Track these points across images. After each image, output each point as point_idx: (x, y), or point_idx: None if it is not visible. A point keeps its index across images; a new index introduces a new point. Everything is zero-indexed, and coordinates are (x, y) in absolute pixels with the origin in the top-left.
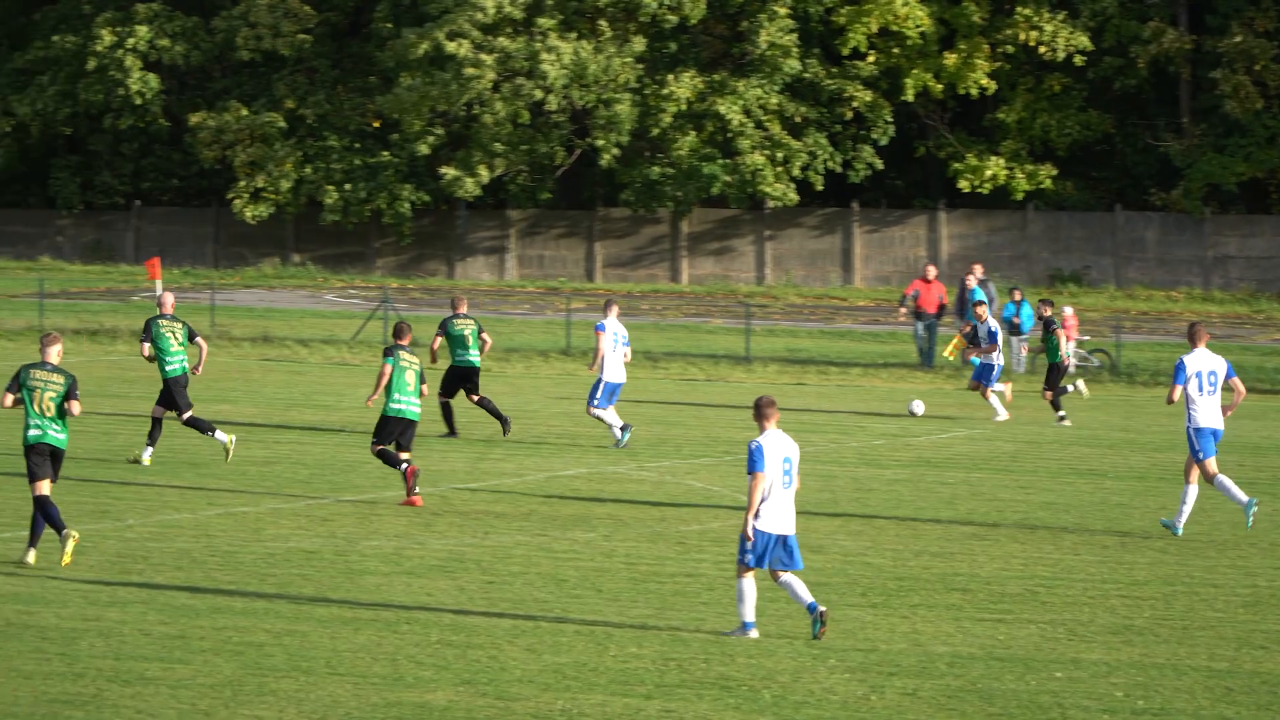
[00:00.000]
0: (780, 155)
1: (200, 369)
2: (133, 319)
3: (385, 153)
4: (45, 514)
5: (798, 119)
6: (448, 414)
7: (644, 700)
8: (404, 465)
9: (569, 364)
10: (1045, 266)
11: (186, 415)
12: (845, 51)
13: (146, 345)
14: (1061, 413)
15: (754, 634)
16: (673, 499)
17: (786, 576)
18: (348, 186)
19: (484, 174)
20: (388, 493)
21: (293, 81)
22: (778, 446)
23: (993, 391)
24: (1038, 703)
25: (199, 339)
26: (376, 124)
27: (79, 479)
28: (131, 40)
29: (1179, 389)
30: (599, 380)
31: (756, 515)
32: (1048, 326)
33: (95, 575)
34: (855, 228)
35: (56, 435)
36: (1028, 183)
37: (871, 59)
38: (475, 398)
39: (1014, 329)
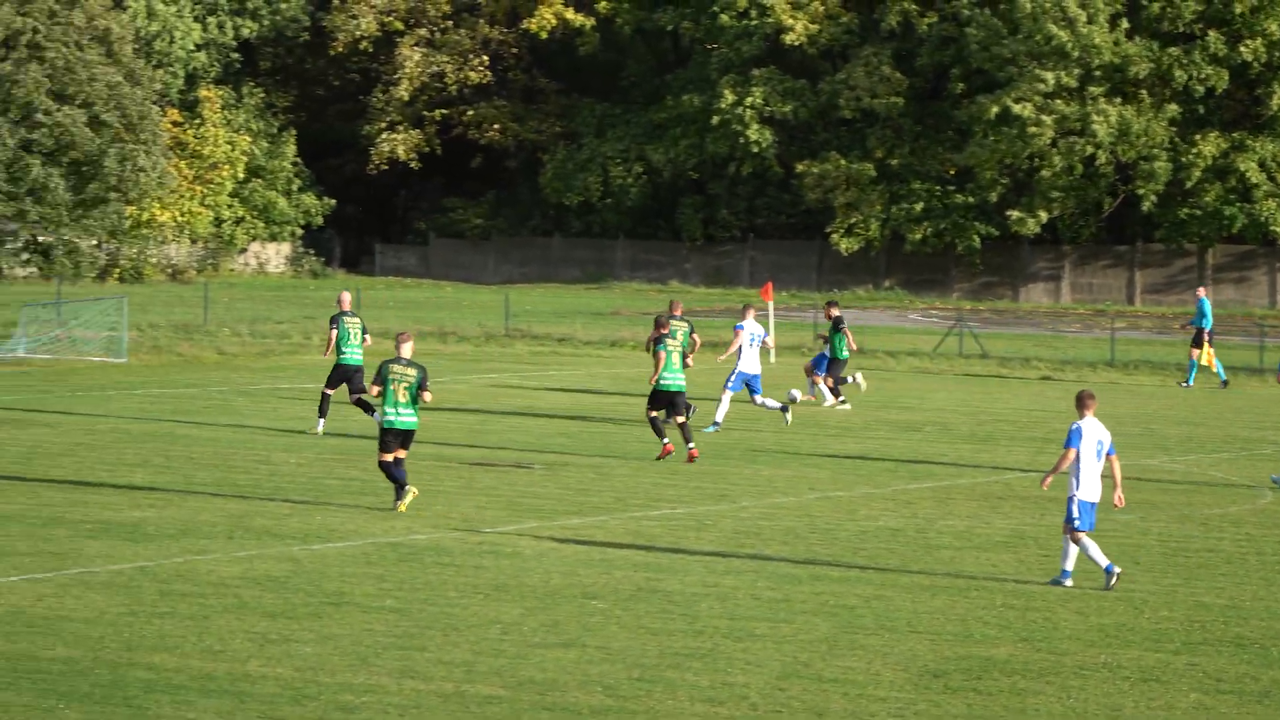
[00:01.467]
0: None
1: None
2: None
3: (958, 195)
4: (390, 473)
5: None
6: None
7: (1172, 655)
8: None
9: (1113, 374)
10: None
11: (355, 396)
12: None
13: (334, 333)
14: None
15: (1068, 583)
16: (1197, 487)
17: (1085, 539)
18: (927, 224)
19: (1043, 215)
20: (961, 480)
21: (883, 135)
22: (1092, 430)
23: None
24: None
25: (367, 337)
26: (952, 171)
27: (699, 470)
28: (749, 99)
29: None
30: (734, 370)
31: (1079, 487)
32: (836, 326)
33: (714, 548)
34: None
35: (408, 419)
36: None
37: None
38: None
39: None
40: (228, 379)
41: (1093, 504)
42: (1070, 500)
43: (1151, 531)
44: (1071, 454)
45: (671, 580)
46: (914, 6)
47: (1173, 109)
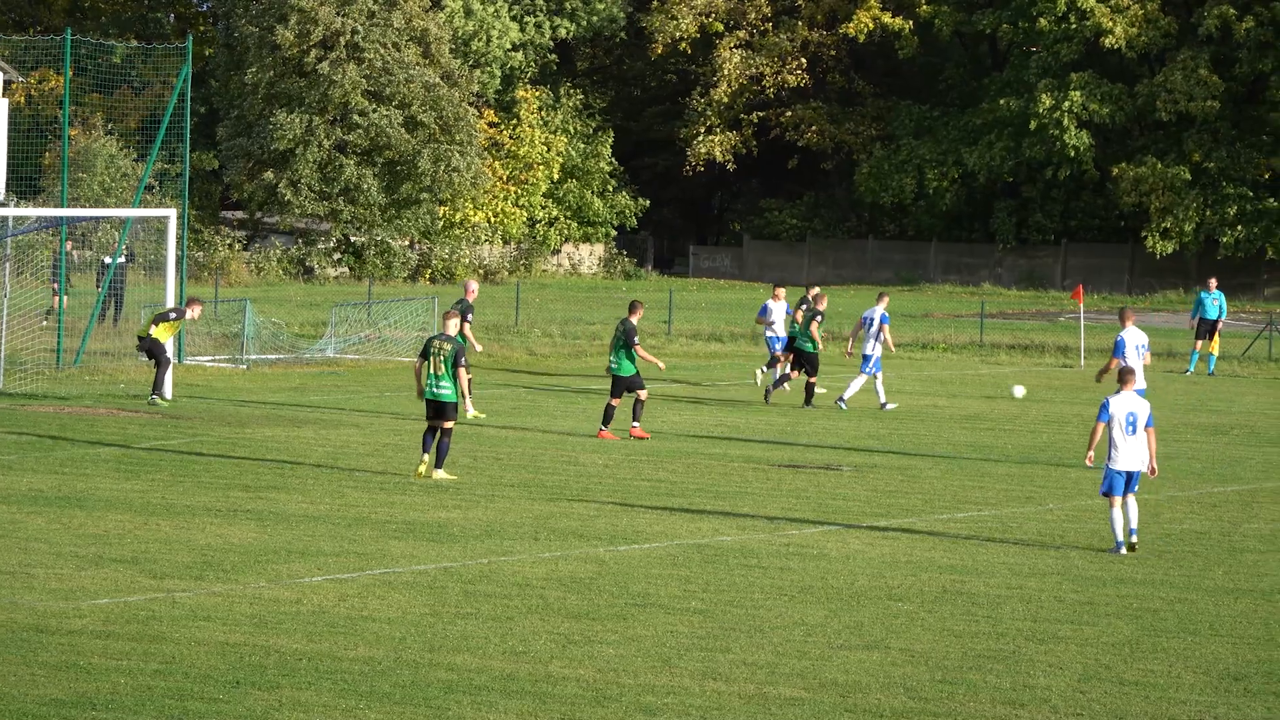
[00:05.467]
0: None
1: None
2: (1059, 337)
3: (1272, 200)
4: (424, 442)
5: None
6: None
7: None
8: None
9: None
10: None
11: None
12: None
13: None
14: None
15: (1123, 551)
16: None
17: (1130, 500)
18: (1240, 228)
19: None
20: (1268, 484)
21: (1199, 139)
22: (1125, 404)
23: None
24: None
25: None
26: (1267, 176)
27: (1006, 472)
28: (1067, 104)
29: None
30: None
31: (1110, 458)
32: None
33: (1019, 550)
34: None
35: (444, 390)
36: None
37: None
38: None
39: None
40: (538, 379)
41: (1126, 472)
42: (1105, 470)
43: None
44: (1101, 426)
45: (976, 582)
46: (1232, 10)
47: None
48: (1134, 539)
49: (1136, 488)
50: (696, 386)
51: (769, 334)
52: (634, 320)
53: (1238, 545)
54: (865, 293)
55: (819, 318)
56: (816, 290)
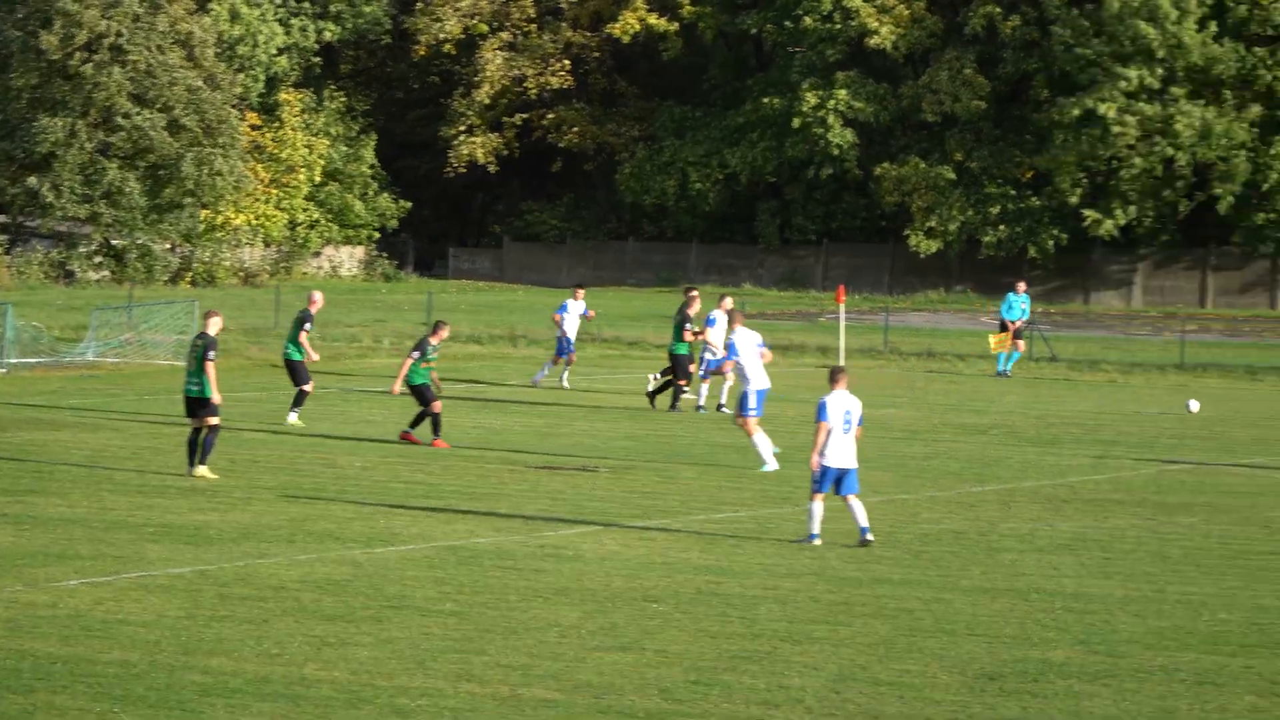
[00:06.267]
0: None
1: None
2: (819, 337)
3: (1034, 198)
4: (191, 443)
5: None
6: None
7: (1229, 658)
8: None
9: (1182, 376)
10: None
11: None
12: None
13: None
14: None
15: (817, 542)
16: (1262, 490)
17: (853, 501)
18: (1002, 227)
19: (1120, 218)
20: (1025, 483)
21: (962, 139)
22: (840, 402)
23: None
24: None
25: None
26: (1029, 175)
27: (761, 473)
28: (831, 102)
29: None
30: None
31: (822, 454)
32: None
33: (776, 551)
34: None
35: (193, 387)
36: None
37: None
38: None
39: None
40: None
41: (839, 469)
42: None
43: (1214, 534)
44: (824, 426)
45: (732, 583)
46: (998, 10)
47: (1254, 110)
48: (868, 536)
49: (858, 488)
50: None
51: (559, 334)
52: (436, 339)
53: (995, 545)
54: (626, 294)
55: (689, 322)
56: (694, 293)
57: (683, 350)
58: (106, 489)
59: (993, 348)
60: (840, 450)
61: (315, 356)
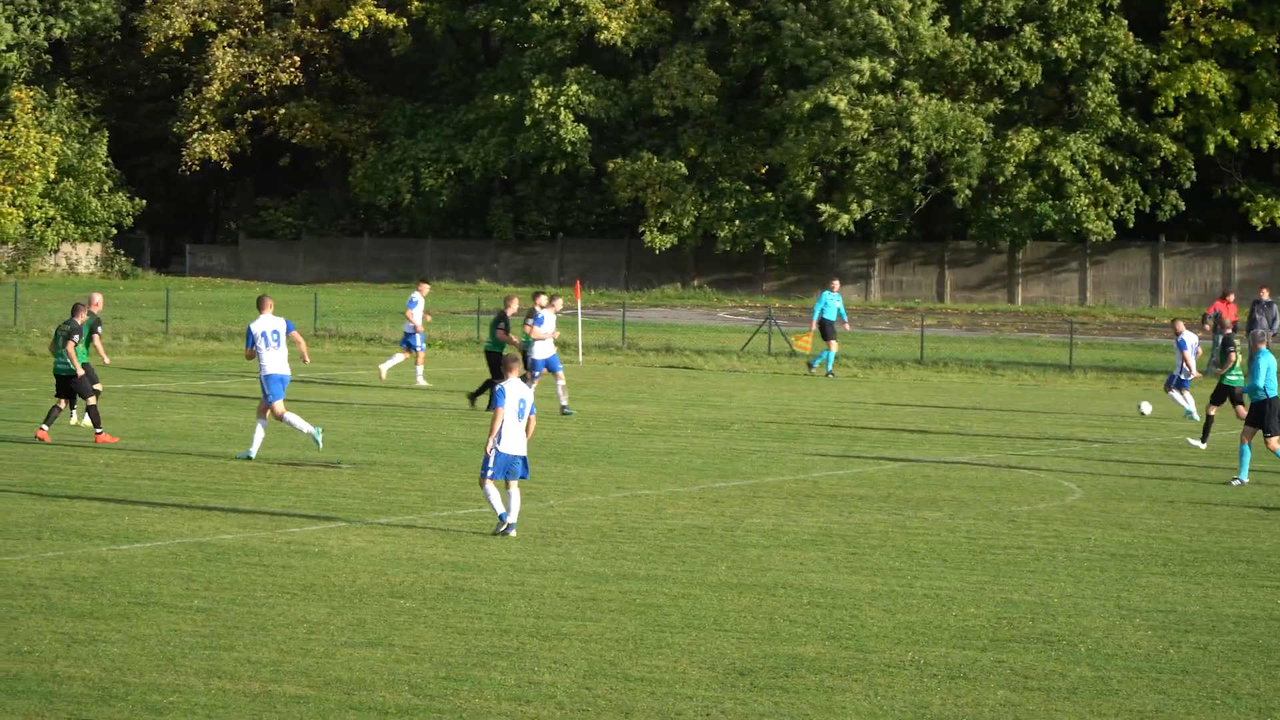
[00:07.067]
0: (1101, 198)
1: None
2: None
3: (769, 194)
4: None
5: (1115, 166)
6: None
7: (980, 652)
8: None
9: (922, 371)
10: None
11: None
12: (1157, 110)
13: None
14: None
15: (511, 519)
16: (1006, 484)
17: (513, 487)
18: (738, 222)
19: (856, 212)
20: (769, 478)
21: (695, 134)
22: (516, 391)
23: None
24: None
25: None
26: (763, 170)
27: None
28: (563, 98)
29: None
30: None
31: (499, 439)
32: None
33: (521, 547)
34: (1162, 258)
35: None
36: None
37: (1180, 117)
38: None
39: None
40: (37, 379)
41: (512, 456)
42: (490, 453)
43: (960, 529)
44: (500, 412)
45: (478, 579)
46: (727, 5)
47: (991, 105)
48: (512, 529)
49: (528, 474)
50: (195, 385)
51: (407, 327)
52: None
53: (740, 540)
54: (363, 291)
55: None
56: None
57: (497, 350)
58: None
59: (796, 346)
60: (515, 437)
61: (107, 360)
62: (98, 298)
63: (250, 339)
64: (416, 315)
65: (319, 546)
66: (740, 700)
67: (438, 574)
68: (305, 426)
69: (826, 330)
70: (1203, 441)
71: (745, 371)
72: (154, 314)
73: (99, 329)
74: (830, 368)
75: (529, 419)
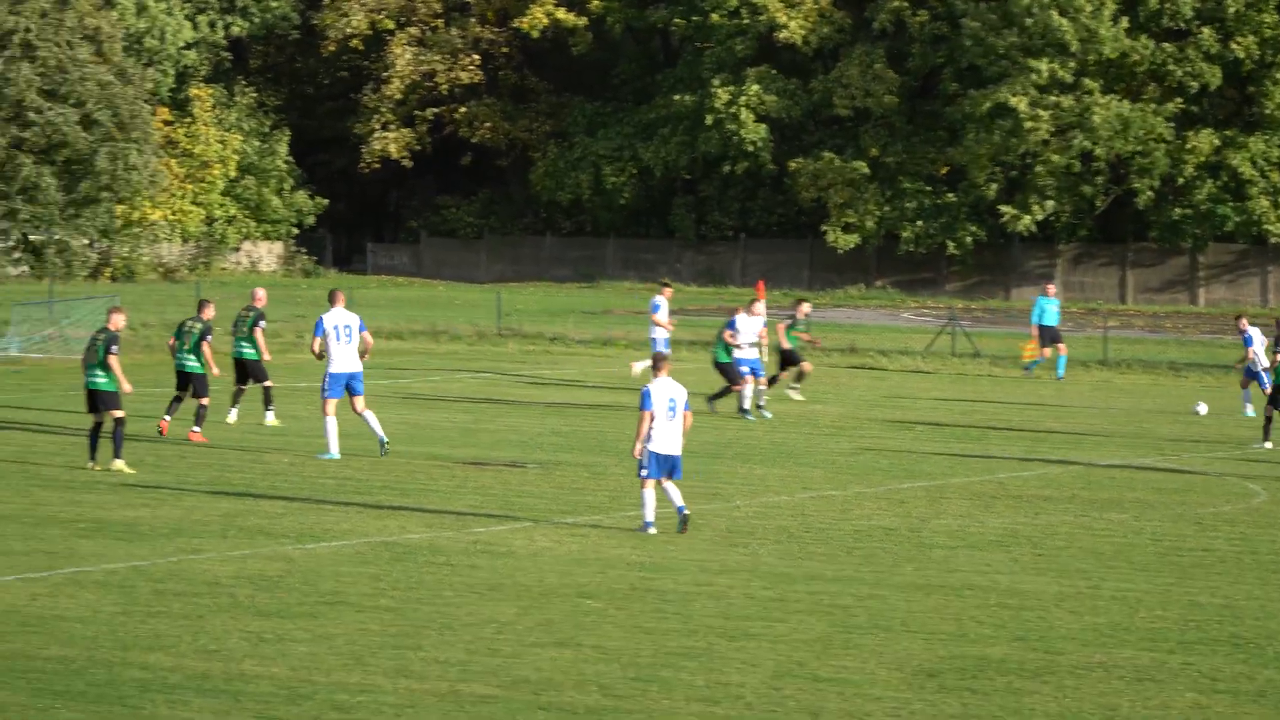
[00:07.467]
0: None
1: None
2: None
3: (951, 194)
4: (92, 438)
5: None
6: None
7: (1167, 655)
8: None
9: (1106, 372)
10: None
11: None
12: None
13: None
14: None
15: (652, 530)
16: (1191, 487)
17: (669, 484)
18: (920, 223)
19: (1038, 212)
20: (954, 479)
21: (876, 134)
22: (664, 390)
23: None
24: None
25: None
26: (944, 170)
27: (692, 469)
28: (744, 98)
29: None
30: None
31: (648, 439)
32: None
33: (708, 547)
34: None
35: (99, 380)
36: None
37: None
38: None
39: None
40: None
41: (667, 455)
42: (644, 453)
43: (1145, 531)
44: (647, 415)
45: (665, 579)
46: (905, 4)
47: (1170, 105)
48: (685, 511)
49: (680, 475)
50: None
51: (656, 332)
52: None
53: (926, 541)
54: (546, 290)
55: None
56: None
57: (724, 359)
58: (36, 485)
59: (1025, 357)
60: (668, 436)
61: (268, 356)
62: (260, 292)
63: (320, 329)
64: (662, 318)
65: (505, 546)
66: (928, 701)
67: (625, 574)
68: (333, 440)
69: (1046, 335)
70: (1265, 441)
71: (930, 372)
72: None
73: (262, 323)
74: (1061, 371)
75: (683, 416)
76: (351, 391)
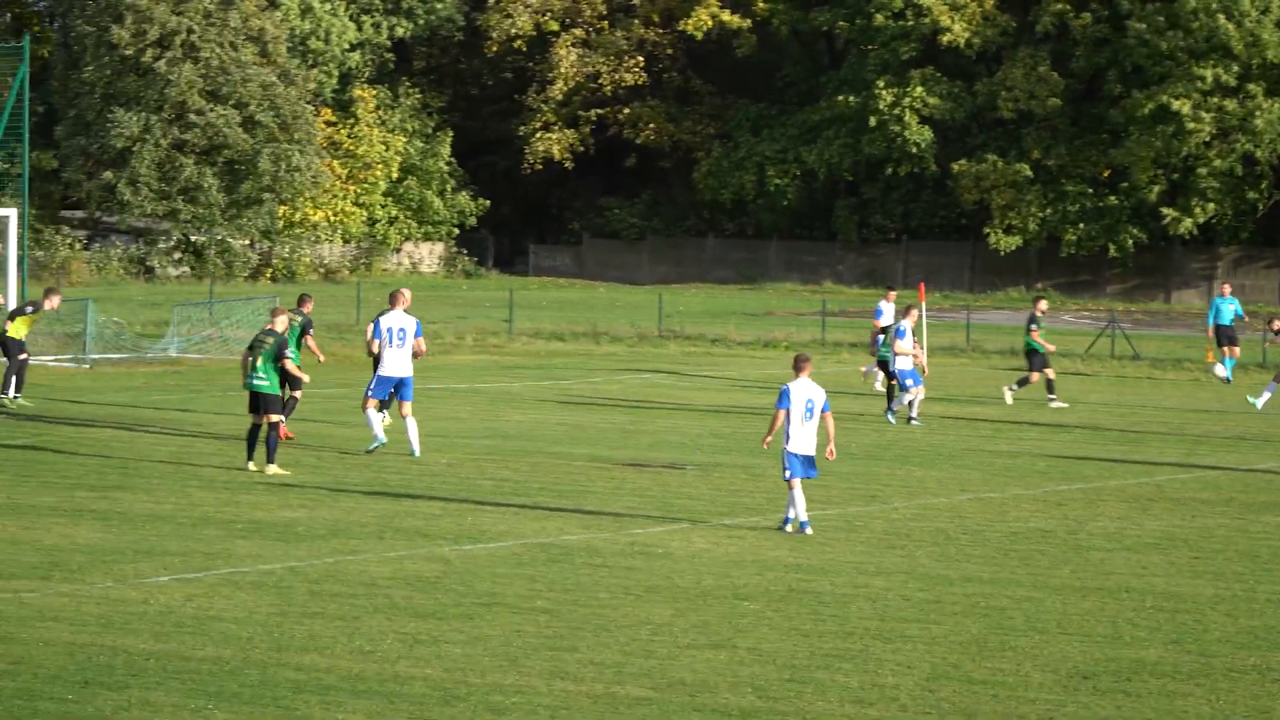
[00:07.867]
0: None
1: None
2: None
3: (1113, 196)
4: (250, 439)
5: None
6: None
7: None
8: None
9: (1266, 375)
10: None
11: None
12: None
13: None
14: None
15: (789, 529)
16: None
17: (799, 485)
18: (1082, 225)
19: (1199, 215)
20: (1111, 481)
21: (1039, 136)
22: (803, 390)
23: None
24: None
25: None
26: (1106, 173)
27: (850, 471)
28: (908, 99)
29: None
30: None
31: (786, 440)
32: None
33: (865, 549)
34: None
35: (262, 382)
36: None
37: None
38: None
39: None
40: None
41: (804, 456)
42: (783, 454)
43: None
44: (782, 414)
45: (822, 581)
46: (1069, 7)
47: None
48: (807, 529)
49: (816, 474)
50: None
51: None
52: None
53: (1083, 543)
54: (708, 291)
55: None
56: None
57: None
58: (193, 485)
59: (1208, 359)
60: (804, 437)
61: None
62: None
63: (376, 331)
64: (885, 323)
65: (663, 548)
66: (1083, 704)
67: (782, 576)
68: (378, 428)
69: (1223, 336)
70: None
71: (1089, 375)
72: (498, 314)
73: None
74: (1228, 374)
75: (823, 418)
76: (400, 397)
